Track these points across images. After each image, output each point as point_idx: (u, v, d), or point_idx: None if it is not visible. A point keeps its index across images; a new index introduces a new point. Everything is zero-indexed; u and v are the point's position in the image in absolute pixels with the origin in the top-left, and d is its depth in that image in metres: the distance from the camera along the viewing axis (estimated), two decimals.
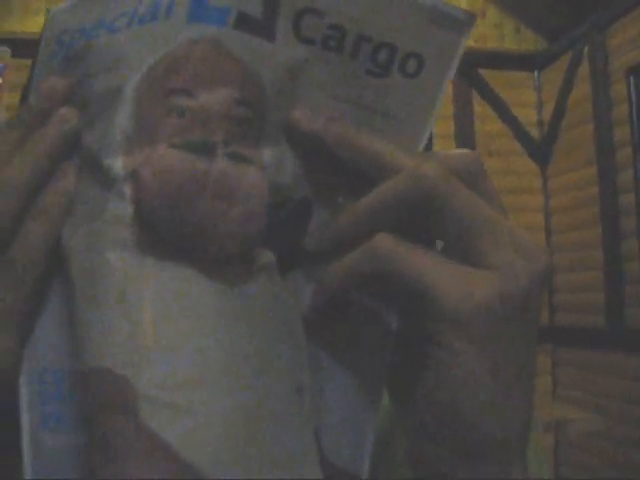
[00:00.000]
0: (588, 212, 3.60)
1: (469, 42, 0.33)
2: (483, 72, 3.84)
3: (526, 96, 3.99)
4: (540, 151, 3.94)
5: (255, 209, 0.31)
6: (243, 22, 0.31)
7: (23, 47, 3.46)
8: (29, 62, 0.35)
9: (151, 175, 0.30)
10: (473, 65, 3.77)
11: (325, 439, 0.32)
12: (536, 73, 4.01)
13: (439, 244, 0.31)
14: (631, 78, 3.33)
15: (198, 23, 0.31)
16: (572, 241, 3.71)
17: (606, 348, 3.36)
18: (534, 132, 3.95)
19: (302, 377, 0.31)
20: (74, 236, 0.31)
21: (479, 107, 3.88)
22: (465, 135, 3.81)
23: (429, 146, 0.34)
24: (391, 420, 0.35)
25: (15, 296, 0.30)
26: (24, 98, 0.35)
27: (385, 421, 0.33)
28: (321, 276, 0.31)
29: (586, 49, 3.61)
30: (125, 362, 0.28)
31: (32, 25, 3.51)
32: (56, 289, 0.32)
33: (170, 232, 0.30)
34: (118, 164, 0.31)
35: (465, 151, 0.32)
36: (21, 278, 0.30)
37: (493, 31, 3.89)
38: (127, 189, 0.31)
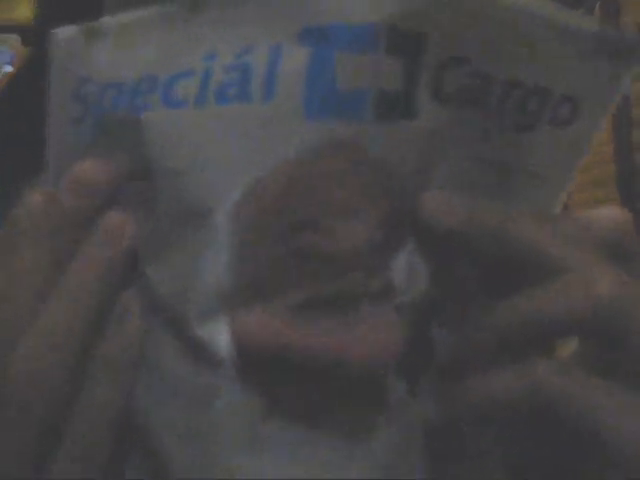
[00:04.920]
0: (603, 170, 3.57)
1: None
2: None
3: None
4: None
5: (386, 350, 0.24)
6: (385, 105, 0.24)
7: None
8: None
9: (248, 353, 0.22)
10: None
11: None
12: None
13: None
14: None
15: (324, 117, 0.23)
16: (588, 200, 3.69)
17: None
18: None
19: None
20: (170, 431, 0.22)
21: None
22: None
23: None
24: None
25: None
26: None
27: None
28: (450, 397, 0.25)
29: (597, 5, 3.55)
30: None
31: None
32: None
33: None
34: (220, 337, 0.22)
35: (621, 222, 0.26)
36: (86, 460, 0.22)
37: None
38: (242, 373, 0.22)
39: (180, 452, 0.23)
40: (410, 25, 0.23)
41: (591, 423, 0.24)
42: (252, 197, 0.23)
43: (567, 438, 0.25)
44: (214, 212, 0.22)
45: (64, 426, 0.22)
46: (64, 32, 0.23)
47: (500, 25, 0.25)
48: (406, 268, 0.25)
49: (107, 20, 0.24)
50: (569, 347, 0.27)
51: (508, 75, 0.26)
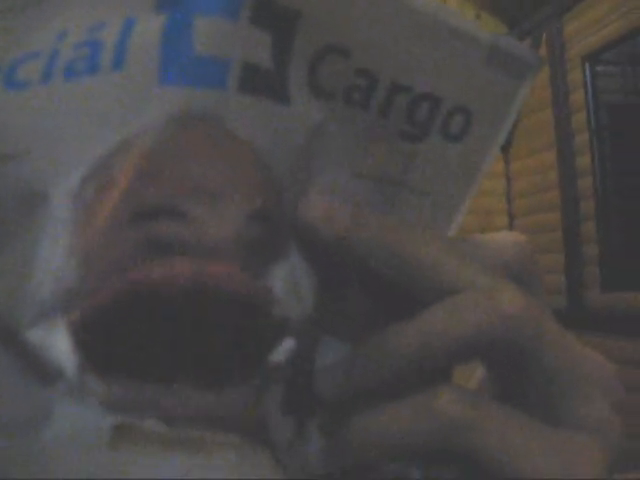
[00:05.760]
0: (548, 196, 3.68)
1: None
2: None
3: None
4: None
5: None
6: (251, 79, 0.20)
7: None
8: None
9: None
10: None
11: None
12: None
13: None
14: (587, 65, 3.40)
15: (181, 83, 0.19)
16: (533, 224, 3.79)
17: (567, 329, 3.44)
18: None
19: None
20: None
21: None
22: None
23: None
24: None
25: None
26: None
27: None
28: (343, 435, 0.22)
29: (544, 36, 3.68)
30: None
31: None
32: None
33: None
34: (55, 343, 0.18)
35: (518, 245, 0.24)
36: None
37: None
38: (89, 382, 0.18)
39: None
40: None
41: (497, 457, 0.21)
42: (95, 176, 0.19)
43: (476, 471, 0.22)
44: (51, 195, 0.19)
45: None
46: None
47: (388, 20, 0.22)
48: (288, 282, 0.21)
49: None
50: (471, 376, 0.25)
51: (393, 77, 0.22)
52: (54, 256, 0.18)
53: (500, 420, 0.21)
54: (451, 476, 0.22)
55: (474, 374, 0.26)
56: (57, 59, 0.19)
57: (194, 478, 0.18)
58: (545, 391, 0.22)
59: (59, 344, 0.18)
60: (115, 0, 0.20)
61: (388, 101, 0.23)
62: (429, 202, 0.24)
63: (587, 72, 3.41)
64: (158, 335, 0.19)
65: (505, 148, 4.02)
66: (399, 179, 0.24)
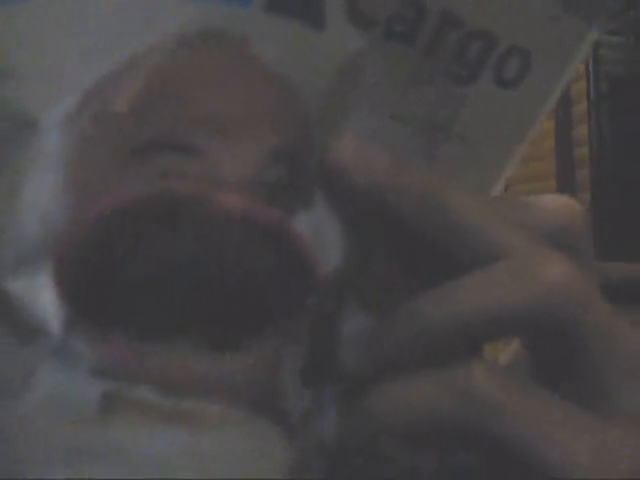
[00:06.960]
0: (544, 164, 3.70)
1: None
2: None
3: None
4: None
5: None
6: None
7: None
8: None
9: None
10: None
11: None
12: None
13: None
14: None
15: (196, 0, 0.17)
16: (529, 191, 3.83)
17: None
18: None
19: None
20: None
21: None
22: None
23: None
24: None
25: None
26: None
27: None
28: (363, 405, 0.20)
29: None
30: None
31: None
32: None
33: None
34: (40, 293, 0.15)
35: (569, 211, 0.22)
36: None
37: None
38: (76, 341, 0.15)
39: None
40: None
41: (534, 449, 0.19)
42: (92, 102, 0.16)
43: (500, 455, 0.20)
44: (42, 123, 0.16)
45: None
46: None
47: None
48: (310, 233, 0.19)
49: None
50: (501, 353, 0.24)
51: (445, 7, 0.20)
52: (41, 195, 0.16)
53: (539, 407, 0.20)
54: (469, 462, 0.21)
55: (507, 345, 0.24)
56: None
57: (191, 456, 0.16)
58: (591, 377, 0.21)
59: (43, 296, 0.15)
60: None
61: (436, 38, 0.20)
62: (476, 154, 0.22)
63: None
64: (154, 279, 0.16)
65: None
66: (445, 126, 0.21)
